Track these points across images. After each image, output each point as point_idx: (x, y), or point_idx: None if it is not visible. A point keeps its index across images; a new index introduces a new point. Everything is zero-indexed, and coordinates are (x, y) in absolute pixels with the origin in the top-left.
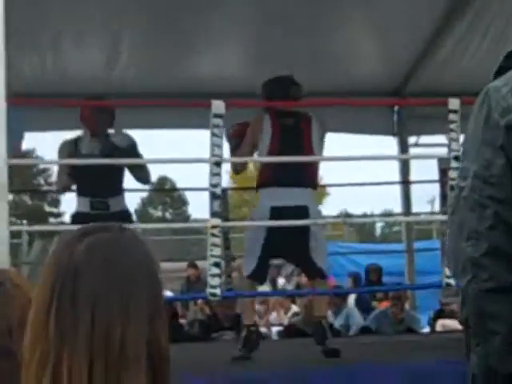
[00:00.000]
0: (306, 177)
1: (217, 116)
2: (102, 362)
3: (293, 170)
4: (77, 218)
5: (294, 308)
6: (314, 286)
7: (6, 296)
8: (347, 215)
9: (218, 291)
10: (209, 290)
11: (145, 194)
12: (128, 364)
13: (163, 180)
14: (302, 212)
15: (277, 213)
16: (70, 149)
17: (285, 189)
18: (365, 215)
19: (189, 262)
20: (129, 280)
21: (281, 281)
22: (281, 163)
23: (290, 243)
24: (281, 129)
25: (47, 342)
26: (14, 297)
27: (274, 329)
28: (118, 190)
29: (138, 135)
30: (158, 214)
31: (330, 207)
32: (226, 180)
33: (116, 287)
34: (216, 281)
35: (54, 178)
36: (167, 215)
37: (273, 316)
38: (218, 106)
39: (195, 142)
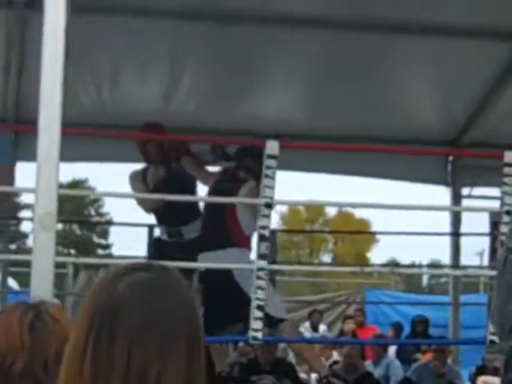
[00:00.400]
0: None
1: (270, 157)
2: None
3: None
4: (156, 244)
5: (335, 355)
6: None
7: (44, 330)
8: (395, 264)
9: (259, 335)
10: (251, 334)
11: None
12: None
13: None
14: None
15: None
16: (137, 179)
17: None
18: (413, 265)
19: None
20: (168, 322)
21: (322, 328)
22: None
23: None
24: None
25: (82, 380)
26: (51, 331)
27: (313, 375)
28: (191, 217)
29: None
30: None
31: (378, 254)
32: (275, 220)
33: (155, 328)
34: (258, 324)
35: (104, 208)
36: None
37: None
38: (273, 146)
39: None
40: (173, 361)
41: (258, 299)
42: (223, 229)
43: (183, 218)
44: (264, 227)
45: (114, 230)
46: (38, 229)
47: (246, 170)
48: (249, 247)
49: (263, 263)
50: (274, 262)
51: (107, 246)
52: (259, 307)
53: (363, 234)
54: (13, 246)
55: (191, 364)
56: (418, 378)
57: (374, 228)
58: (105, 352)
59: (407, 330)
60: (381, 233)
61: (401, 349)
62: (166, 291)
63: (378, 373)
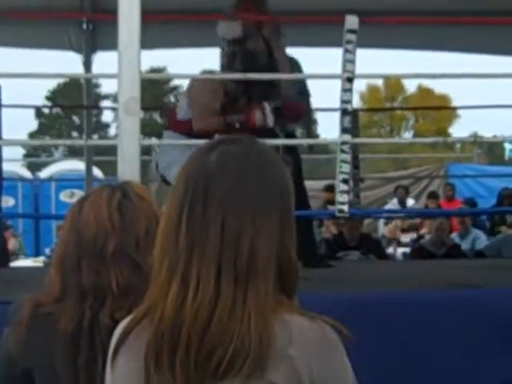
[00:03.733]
0: None
1: (350, 31)
2: (231, 270)
3: None
4: None
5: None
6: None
7: (132, 209)
8: (478, 137)
9: (345, 208)
10: (337, 207)
11: None
12: (256, 274)
13: None
14: None
15: None
16: None
17: None
18: (494, 137)
19: (325, 186)
20: (260, 191)
21: (410, 202)
22: None
23: None
24: None
25: (177, 249)
26: (139, 209)
27: (400, 250)
28: None
29: None
30: None
31: (459, 130)
32: (356, 100)
33: (247, 197)
34: (344, 197)
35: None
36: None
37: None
38: (352, 21)
39: (325, 60)
40: (265, 229)
41: (342, 173)
42: None
43: None
44: (346, 101)
45: None
46: (123, 114)
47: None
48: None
49: (347, 137)
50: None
51: None
52: (344, 181)
53: (444, 110)
54: (95, 136)
55: (283, 233)
56: (498, 250)
57: (455, 103)
58: (199, 221)
59: (490, 203)
60: (461, 107)
61: (477, 223)
62: (257, 161)
63: (464, 246)
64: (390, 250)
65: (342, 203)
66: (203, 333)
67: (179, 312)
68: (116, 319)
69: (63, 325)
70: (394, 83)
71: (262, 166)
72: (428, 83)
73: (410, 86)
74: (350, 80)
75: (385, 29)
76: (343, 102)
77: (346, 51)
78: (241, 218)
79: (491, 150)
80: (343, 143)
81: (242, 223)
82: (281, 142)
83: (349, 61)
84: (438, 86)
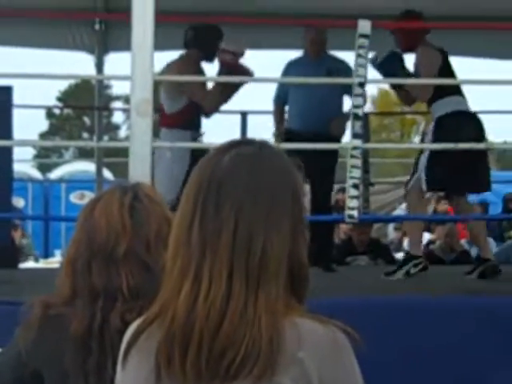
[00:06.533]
0: None
1: (363, 36)
2: (242, 271)
3: None
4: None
5: (426, 236)
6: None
7: (144, 211)
8: (488, 143)
9: (355, 213)
10: (347, 212)
11: None
12: (267, 276)
13: None
14: None
15: None
16: None
17: None
18: (505, 143)
19: (340, 187)
20: (272, 192)
21: None
22: None
23: None
24: None
25: (189, 249)
26: (150, 211)
27: None
28: None
29: (271, 55)
30: None
31: None
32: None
33: (259, 199)
34: (354, 202)
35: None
36: None
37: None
38: (365, 26)
39: None
40: (277, 232)
41: (352, 178)
42: None
43: None
44: (358, 106)
45: (205, 120)
46: (135, 115)
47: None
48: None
49: (357, 142)
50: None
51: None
52: (354, 186)
53: None
54: (105, 138)
55: (295, 236)
56: (507, 256)
57: None
58: (212, 222)
59: (499, 209)
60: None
61: (489, 227)
62: (269, 163)
63: (473, 252)
64: (399, 255)
65: (352, 208)
66: (215, 333)
67: (191, 312)
68: (126, 321)
69: (73, 326)
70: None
71: (274, 169)
72: None
73: None
74: (361, 85)
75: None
76: (355, 106)
77: (358, 56)
78: (253, 219)
79: (502, 155)
80: (354, 148)
81: (254, 225)
82: (294, 146)
83: (361, 65)
84: None
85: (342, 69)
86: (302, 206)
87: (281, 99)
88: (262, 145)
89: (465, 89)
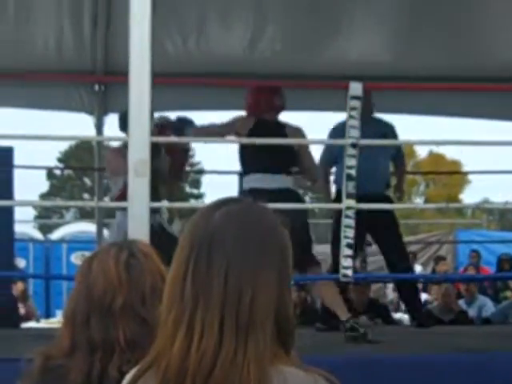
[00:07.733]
0: None
1: (354, 98)
2: (233, 321)
3: None
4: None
5: (423, 296)
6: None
7: (139, 266)
8: (487, 203)
9: (349, 272)
10: (341, 271)
11: None
12: (255, 324)
13: None
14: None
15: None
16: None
17: None
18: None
19: None
20: (260, 247)
21: (418, 268)
22: None
23: None
24: None
25: (183, 302)
26: (145, 267)
27: (406, 316)
28: None
29: None
30: None
31: (470, 196)
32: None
33: (248, 253)
34: (348, 262)
35: (196, 158)
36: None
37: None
38: (356, 88)
39: (326, 124)
40: (265, 285)
41: (346, 237)
42: None
43: None
44: (351, 167)
45: (205, 180)
46: (133, 176)
47: None
48: None
49: (351, 202)
50: None
51: (199, 196)
52: (348, 245)
53: (455, 176)
54: (106, 198)
55: (281, 290)
56: (505, 316)
57: (466, 169)
58: (203, 275)
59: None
60: (472, 172)
61: (483, 287)
62: (257, 220)
63: (471, 313)
64: (398, 315)
65: (346, 268)
66: (207, 378)
67: (184, 360)
68: (123, 372)
69: (73, 376)
70: (405, 148)
71: (262, 225)
72: (439, 149)
73: (422, 151)
74: (354, 146)
75: (398, 94)
76: (347, 167)
77: (351, 117)
78: (242, 273)
79: (503, 216)
80: (348, 208)
81: (244, 278)
82: (287, 206)
83: (353, 127)
84: (450, 153)
85: (392, 132)
86: (288, 262)
87: (328, 162)
88: (250, 202)
89: (468, 148)
